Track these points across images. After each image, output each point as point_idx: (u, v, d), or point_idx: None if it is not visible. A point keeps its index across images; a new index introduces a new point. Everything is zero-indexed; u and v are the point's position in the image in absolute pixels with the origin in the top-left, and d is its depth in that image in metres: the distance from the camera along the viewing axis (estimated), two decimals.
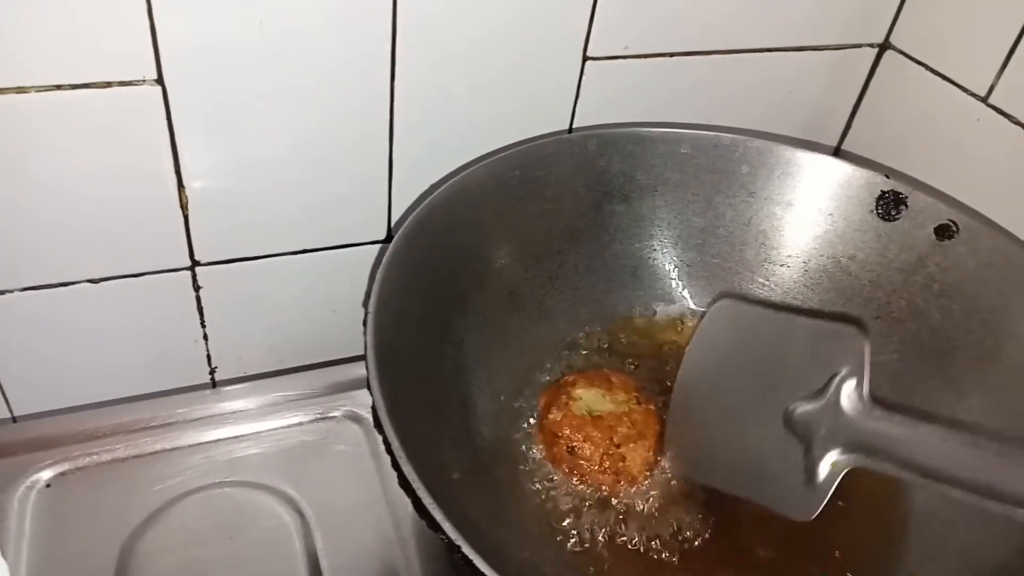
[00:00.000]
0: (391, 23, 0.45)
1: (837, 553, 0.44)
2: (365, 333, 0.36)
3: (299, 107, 0.46)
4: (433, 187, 0.51)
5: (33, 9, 0.38)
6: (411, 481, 0.30)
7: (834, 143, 0.65)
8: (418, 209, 0.44)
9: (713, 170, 0.53)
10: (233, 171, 0.48)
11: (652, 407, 0.47)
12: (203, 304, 0.53)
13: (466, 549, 0.29)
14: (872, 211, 0.51)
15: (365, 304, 0.38)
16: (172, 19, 0.41)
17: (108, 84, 0.42)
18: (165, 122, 0.44)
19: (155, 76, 0.43)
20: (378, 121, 0.49)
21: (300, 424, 0.51)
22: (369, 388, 0.34)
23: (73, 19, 0.39)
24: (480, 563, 0.28)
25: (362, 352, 0.58)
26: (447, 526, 0.29)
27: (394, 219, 0.54)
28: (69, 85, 0.41)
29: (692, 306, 0.55)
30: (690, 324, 0.55)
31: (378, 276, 0.39)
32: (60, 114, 0.42)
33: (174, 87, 0.43)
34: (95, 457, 0.47)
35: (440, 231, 0.45)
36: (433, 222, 0.44)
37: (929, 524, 0.44)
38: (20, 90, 0.41)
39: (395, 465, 0.32)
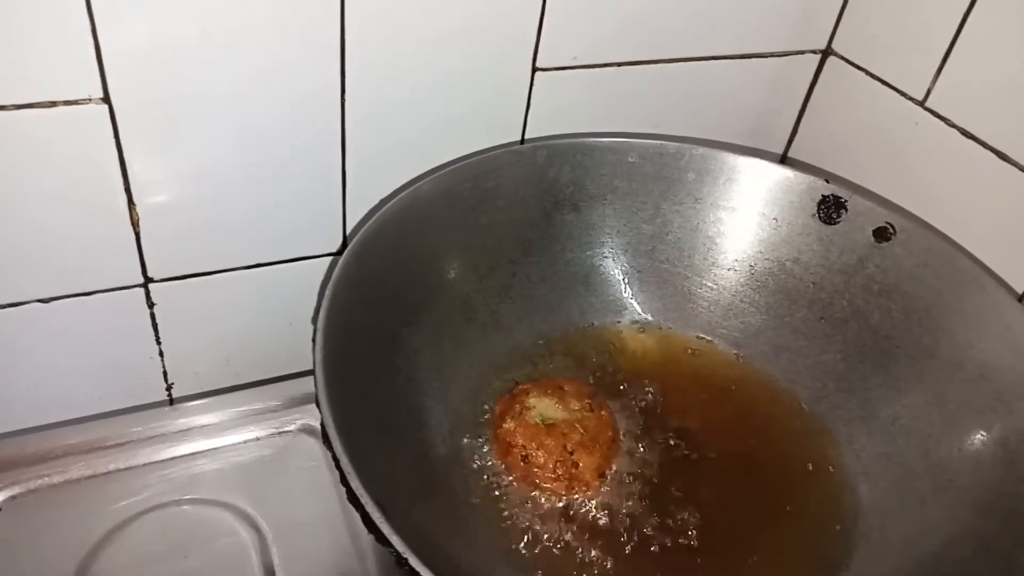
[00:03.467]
0: (339, 35, 0.45)
1: (798, 555, 0.45)
2: (314, 349, 0.36)
3: (249, 122, 0.46)
4: (384, 200, 0.51)
5: None
6: (358, 495, 0.31)
7: (780, 148, 0.66)
8: (367, 223, 0.44)
9: (660, 178, 0.54)
10: (184, 187, 0.47)
11: (604, 413, 0.48)
12: (157, 320, 0.53)
13: (413, 562, 0.29)
14: (814, 215, 0.53)
15: (314, 320, 0.38)
16: (116, 37, 0.41)
17: (53, 103, 0.42)
18: (113, 140, 0.44)
19: (101, 95, 0.43)
20: (329, 133, 0.49)
21: (257, 439, 0.51)
22: (318, 404, 0.34)
23: (15, 39, 0.39)
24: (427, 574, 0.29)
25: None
26: (394, 539, 0.30)
27: (348, 231, 0.54)
28: (12, 105, 0.41)
29: (643, 312, 0.56)
30: (641, 331, 0.56)
31: (327, 292, 0.40)
32: (3, 134, 0.42)
33: (121, 105, 0.43)
34: (47, 479, 0.46)
35: (390, 244, 0.45)
36: (383, 236, 0.45)
37: (874, 517, 0.46)
38: None
39: (343, 480, 0.32)
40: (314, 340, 0.38)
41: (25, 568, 0.42)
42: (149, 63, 0.42)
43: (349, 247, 0.43)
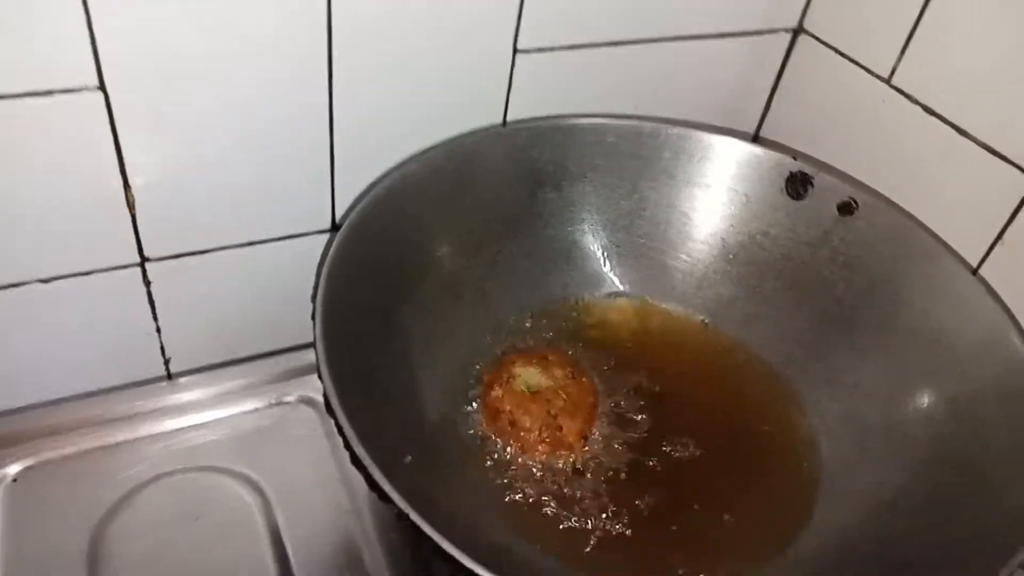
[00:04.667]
0: (326, 19, 0.46)
1: (763, 508, 0.48)
2: (314, 325, 0.39)
3: (240, 103, 0.47)
4: (373, 183, 0.53)
5: None
6: (361, 459, 0.33)
7: (754, 126, 0.68)
8: (360, 204, 0.46)
9: (637, 156, 0.56)
10: (178, 168, 0.49)
11: (586, 380, 0.51)
12: (154, 298, 0.54)
13: (413, 516, 0.32)
14: (782, 190, 0.55)
15: (313, 298, 0.41)
16: (110, 25, 0.41)
17: (50, 92, 0.43)
18: (108, 126, 0.45)
19: (96, 83, 0.43)
20: (318, 113, 0.50)
21: (256, 410, 0.54)
22: (320, 376, 0.37)
23: (11, 29, 0.40)
24: (427, 528, 0.31)
25: (311, 340, 0.61)
26: (395, 497, 0.32)
27: (338, 209, 0.55)
28: (11, 95, 0.42)
29: (623, 284, 0.59)
30: (620, 302, 0.58)
31: (324, 270, 0.42)
32: (5, 123, 0.43)
33: (116, 92, 0.44)
34: (59, 451, 0.48)
35: (382, 224, 0.47)
36: (375, 215, 0.47)
37: (835, 472, 0.49)
38: None
39: (347, 445, 0.35)
40: (313, 317, 0.40)
41: (44, 534, 0.45)
42: (142, 50, 0.43)
43: (343, 228, 0.45)
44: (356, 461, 0.34)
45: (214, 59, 0.45)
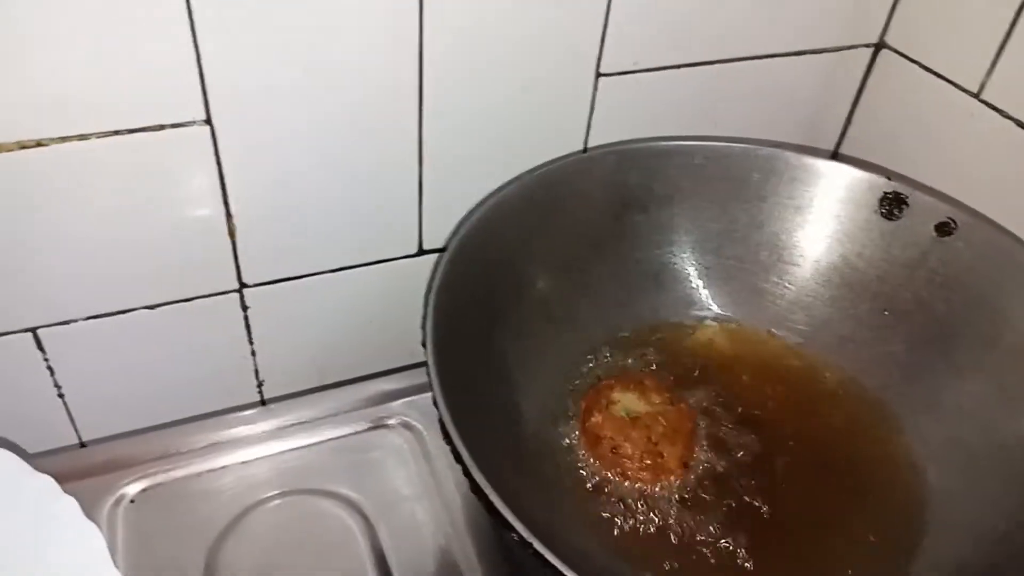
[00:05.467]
0: (418, 52, 0.48)
1: (871, 537, 0.47)
2: (426, 353, 0.40)
3: (336, 135, 0.49)
4: (471, 210, 0.54)
5: (95, 62, 0.41)
6: (482, 487, 0.34)
7: (833, 142, 0.67)
8: (460, 232, 0.47)
9: (726, 178, 0.56)
10: (275, 196, 0.50)
11: (684, 406, 0.51)
12: (251, 323, 0.56)
13: (537, 546, 0.32)
14: (876, 211, 0.55)
15: (423, 326, 0.42)
16: (218, 61, 0.43)
17: (161, 127, 0.45)
18: (213, 157, 0.47)
19: (204, 117, 0.45)
20: (408, 143, 0.51)
21: (352, 434, 0.55)
22: (435, 404, 0.38)
23: (127, 68, 0.42)
24: (552, 558, 0.32)
25: (401, 364, 0.62)
26: (519, 526, 0.33)
27: (424, 233, 0.57)
28: (126, 130, 0.44)
29: (713, 307, 0.58)
30: (711, 325, 0.58)
31: (431, 298, 0.43)
32: (118, 156, 0.45)
33: (221, 125, 0.46)
34: (171, 474, 0.50)
35: (479, 251, 0.48)
36: (473, 243, 0.48)
37: (942, 501, 0.48)
38: (82, 137, 0.43)
39: (466, 473, 0.36)
40: (424, 344, 0.41)
41: (162, 553, 0.46)
42: (246, 83, 0.45)
43: (446, 255, 0.46)
44: (476, 488, 0.35)
45: (310, 90, 0.47)
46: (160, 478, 0.50)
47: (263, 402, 0.61)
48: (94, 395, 0.54)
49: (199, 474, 0.51)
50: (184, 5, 0.41)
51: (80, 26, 0.40)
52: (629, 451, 0.48)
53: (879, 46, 0.62)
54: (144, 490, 0.49)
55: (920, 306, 0.53)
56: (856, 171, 0.55)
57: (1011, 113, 0.53)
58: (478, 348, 0.47)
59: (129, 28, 0.41)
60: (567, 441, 0.50)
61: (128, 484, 0.50)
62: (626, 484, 0.48)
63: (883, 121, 0.63)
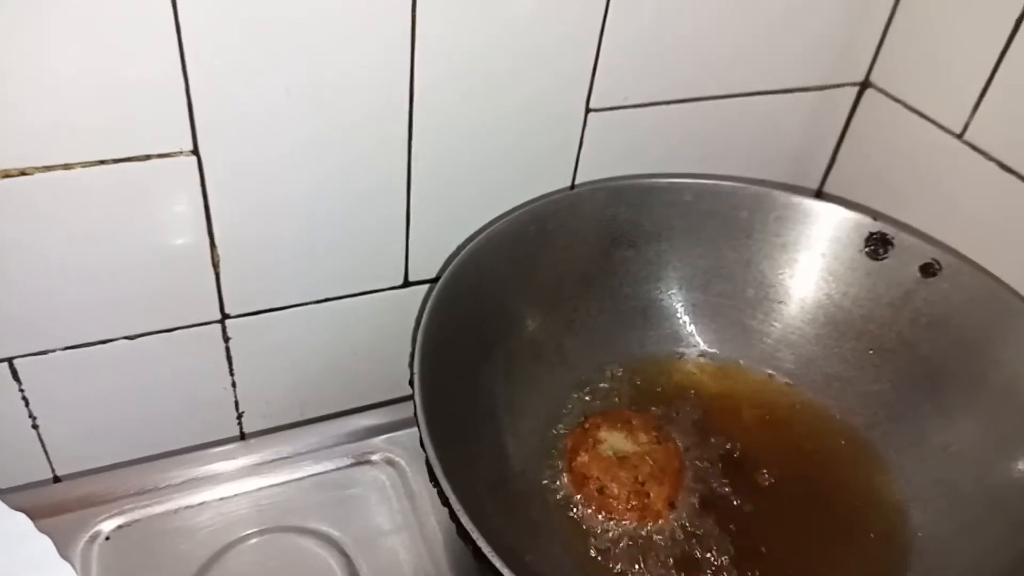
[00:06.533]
0: (408, 84, 0.47)
1: None
2: (414, 393, 0.39)
3: (323, 166, 0.48)
4: (460, 246, 0.54)
5: (81, 90, 0.40)
6: (470, 532, 0.33)
7: (818, 179, 0.68)
8: (448, 270, 0.47)
9: (714, 215, 0.56)
10: (261, 228, 0.50)
11: (671, 445, 0.51)
12: (232, 354, 0.55)
13: None
14: (861, 251, 0.55)
15: (410, 364, 0.41)
16: (208, 97, 0.43)
17: (147, 157, 0.44)
18: (199, 188, 0.46)
19: (191, 147, 0.45)
20: (396, 175, 0.51)
21: (334, 470, 0.54)
22: (422, 445, 0.37)
23: (116, 100, 0.41)
24: None
25: (384, 398, 0.61)
26: (506, 571, 0.32)
27: (411, 265, 0.56)
28: (112, 160, 0.44)
29: (700, 343, 0.58)
30: (698, 361, 0.58)
31: (419, 336, 0.42)
32: (102, 185, 0.44)
33: (208, 156, 0.45)
34: (148, 510, 0.49)
35: (468, 288, 0.48)
36: (462, 280, 0.47)
37: (929, 543, 0.48)
38: (67, 166, 0.43)
39: (453, 517, 0.35)
40: (411, 383, 0.40)
41: None
42: (235, 121, 0.45)
43: (434, 292, 0.45)
44: (463, 532, 0.34)
45: (298, 121, 0.46)
46: (136, 514, 0.49)
47: (243, 436, 0.60)
48: (70, 428, 0.53)
49: (176, 510, 0.50)
50: (174, 35, 0.41)
51: (67, 53, 0.39)
52: (616, 491, 0.47)
53: (864, 85, 0.62)
54: (120, 527, 0.48)
55: (905, 346, 0.54)
56: (842, 210, 0.55)
57: (993, 155, 0.53)
58: (465, 385, 0.46)
59: (117, 56, 0.40)
60: (554, 481, 0.50)
61: (103, 520, 0.49)
62: (613, 525, 0.47)
63: (867, 159, 0.64)
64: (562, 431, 0.52)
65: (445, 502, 0.35)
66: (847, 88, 0.63)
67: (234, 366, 0.56)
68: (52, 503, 0.49)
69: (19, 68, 0.39)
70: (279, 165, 0.47)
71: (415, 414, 0.39)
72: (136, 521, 0.49)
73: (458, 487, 0.36)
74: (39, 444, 0.53)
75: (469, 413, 0.46)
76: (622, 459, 0.48)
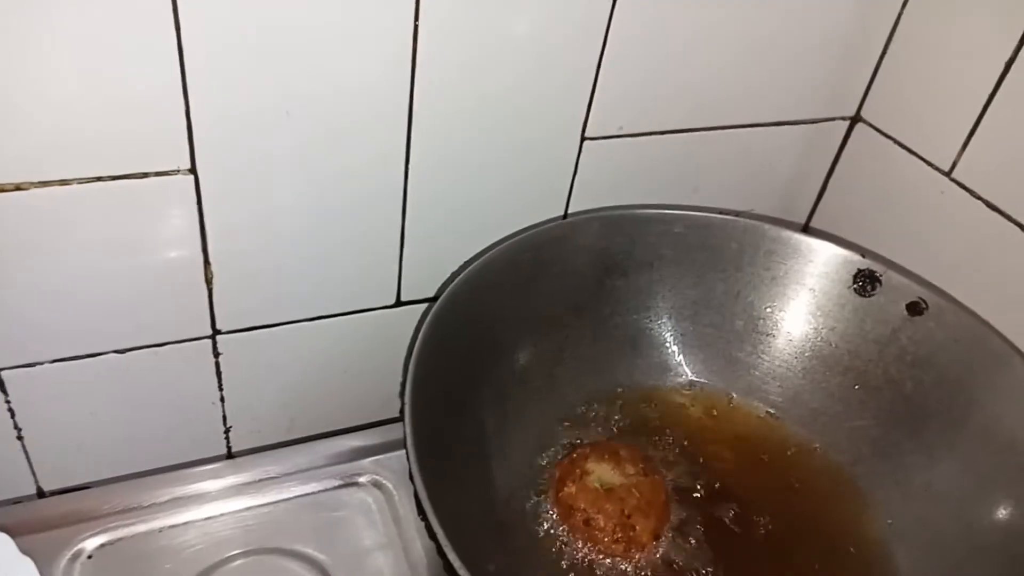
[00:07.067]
0: (407, 105, 0.47)
1: None
2: (404, 425, 0.39)
3: (319, 187, 0.49)
4: (453, 274, 0.54)
5: (80, 106, 0.40)
6: (457, 570, 0.34)
7: (807, 211, 0.68)
8: (442, 297, 0.47)
9: (704, 247, 0.57)
10: (254, 245, 0.50)
11: (657, 477, 0.51)
12: (222, 370, 0.55)
13: None
14: (849, 287, 0.55)
15: (401, 395, 0.41)
16: (207, 114, 0.43)
17: (145, 175, 0.44)
18: (196, 206, 0.46)
19: (188, 166, 0.45)
20: (392, 196, 0.51)
21: (320, 492, 0.54)
22: (411, 479, 0.37)
23: (114, 116, 0.41)
24: None
25: (373, 420, 0.61)
26: None
27: (403, 284, 0.56)
28: (109, 177, 0.44)
29: (688, 373, 0.59)
30: (685, 391, 0.58)
31: (411, 367, 0.42)
32: (98, 202, 0.44)
33: (205, 174, 0.45)
34: (132, 528, 0.49)
35: (461, 317, 0.48)
36: (455, 308, 0.47)
37: None
38: (63, 182, 0.43)
39: (440, 552, 0.35)
40: (402, 414, 0.40)
41: None
42: (234, 140, 0.45)
43: (426, 322, 0.45)
44: (449, 567, 0.35)
45: (297, 140, 0.46)
46: (120, 533, 0.48)
47: (230, 452, 0.59)
48: (56, 441, 0.53)
49: (161, 529, 0.49)
50: (176, 54, 0.41)
51: (66, 67, 0.39)
52: (602, 523, 0.48)
53: (855, 119, 0.63)
54: (103, 545, 0.48)
55: (890, 383, 0.54)
56: (832, 246, 0.56)
57: (980, 193, 0.54)
58: (456, 414, 0.46)
59: (117, 73, 0.40)
60: (540, 511, 0.50)
61: (87, 538, 0.48)
62: (599, 557, 0.48)
63: (856, 194, 0.64)
64: (550, 461, 0.52)
65: (432, 536, 0.36)
66: (838, 122, 0.63)
67: (224, 382, 0.56)
68: (35, 519, 0.49)
69: (17, 83, 0.39)
70: (275, 183, 0.48)
71: (405, 447, 0.39)
72: (120, 539, 0.48)
73: (445, 519, 0.36)
74: (24, 456, 0.52)
75: (458, 442, 0.46)
76: (609, 491, 0.49)
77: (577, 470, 0.50)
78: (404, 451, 0.39)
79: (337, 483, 0.55)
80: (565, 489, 0.49)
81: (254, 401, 0.58)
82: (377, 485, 0.55)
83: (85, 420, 0.53)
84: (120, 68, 0.40)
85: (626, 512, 0.48)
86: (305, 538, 0.51)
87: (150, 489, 0.52)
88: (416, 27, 0.44)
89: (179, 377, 0.54)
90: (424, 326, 0.44)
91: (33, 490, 0.54)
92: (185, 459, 0.57)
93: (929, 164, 0.57)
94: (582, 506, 0.48)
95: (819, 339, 0.57)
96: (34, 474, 0.53)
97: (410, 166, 0.50)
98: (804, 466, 0.55)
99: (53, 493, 0.55)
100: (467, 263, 0.53)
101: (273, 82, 0.43)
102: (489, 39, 0.47)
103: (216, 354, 0.54)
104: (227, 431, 0.59)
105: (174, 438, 0.57)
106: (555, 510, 0.49)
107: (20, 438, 0.51)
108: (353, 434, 0.60)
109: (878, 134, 0.61)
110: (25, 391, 0.49)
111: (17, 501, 0.54)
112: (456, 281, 0.48)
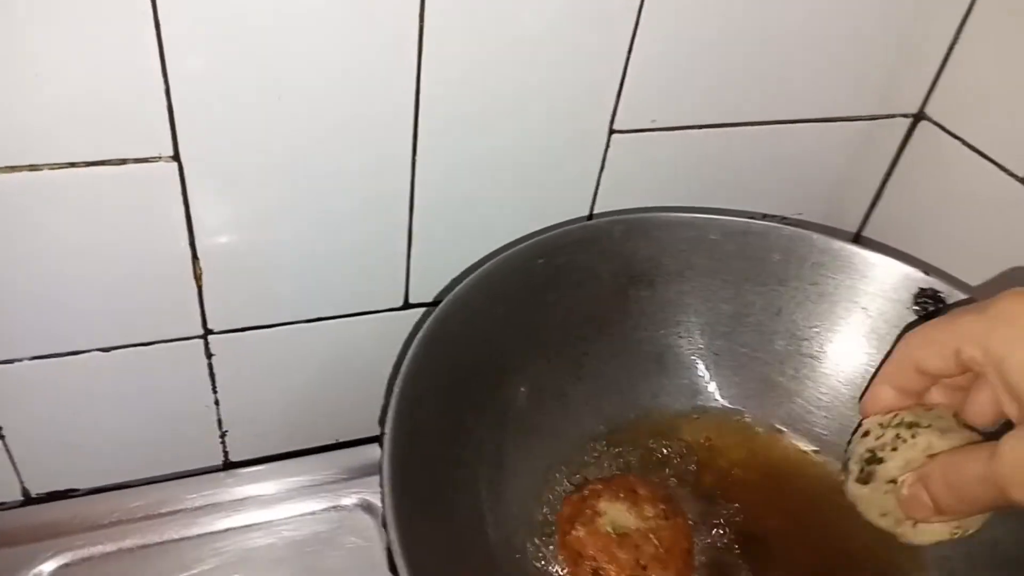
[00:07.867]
0: (414, 91, 0.44)
1: None
2: (381, 459, 0.35)
3: (317, 178, 0.46)
4: (457, 278, 0.50)
5: (48, 88, 0.38)
6: None
7: (858, 219, 0.63)
8: (433, 314, 0.43)
9: (742, 257, 0.51)
10: (249, 241, 0.47)
11: (680, 520, 0.45)
12: (215, 372, 0.53)
13: None
14: (909, 308, 0.49)
15: (381, 421, 0.37)
16: (189, 96, 0.40)
17: (123, 161, 0.42)
18: (180, 196, 0.44)
19: (171, 153, 0.42)
20: (399, 187, 0.48)
21: (312, 513, 0.51)
22: (385, 526, 0.33)
23: (88, 96, 0.39)
24: None
25: (375, 432, 0.57)
26: None
27: (412, 285, 0.53)
28: (83, 163, 0.41)
29: (720, 399, 0.53)
30: (716, 419, 0.53)
31: (396, 389, 0.38)
32: (74, 190, 0.41)
33: (190, 162, 0.43)
34: (100, 547, 0.46)
35: (460, 329, 0.43)
36: (454, 320, 0.43)
37: None
38: (32, 167, 0.40)
39: None
40: (381, 443, 0.36)
41: None
42: (221, 126, 0.42)
43: (419, 336, 0.41)
44: None
45: (290, 124, 0.43)
46: (83, 552, 0.46)
47: (225, 464, 0.57)
48: (40, 443, 0.51)
49: (131, 550, 0.47)
50: (152, 26, 0.38)
51: (34, 45, 0.37)
52: (613, 575, 0.42)
53: (918, 117, 0.58)
54: (63, 566, 0.46)
55: None
56: (891, 261, 0.50)
57: None
58: (448, 441, 0.42)
59: (91, 47, 0.37)
60: (544, 555, 0.45)
61: (44, 559, 0.45)
62: None
63: (916, 200, 0.59)
64: (557, 497, 0.47)
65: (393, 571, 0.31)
66: (898, 120, 0.58)
67: (217, 384, 0.54)
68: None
69: None
70: (268, 173, 0.45)
71: (380, 486, 0.34)
72: (82, 560, 0.46)
73: (424, 565, 0.32)
74: (8, 457, 0.50)
75: (449, 475, 0.41)
76: (623, 536, 0.43)
77: (588, 510, 0.44)
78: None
79: (328, 505, 0.52)
80: (573, 532, 0.44)
81: (251, 407, 0.56)
82: (368, 509, 0.52)
83: (68, 420, 0.51)
84: (92, 43, 0.37)
85: (642, 562, 0.43)
86: (289, 565, 0.48)
87: (132, 501, 0.50)
88: (423, 5, 0.41)
89: (169, 378, 0.52)
90: (412, 345, 0.40)
91: (19, 494, 0.53)
92: (181, 467, 0.55)
93: (1002, 168, 0.52)
94: (591, 553, 0.43)
95: (872, 366, 0.50)
96: (19, 477, 0.52)
97: (418, 155, 0.47)
98: (851, 509, 0.48)
99: (40, 497, 0.53)
100: (467, 271, 0.49)
101: (263, 62, 0.41)
102: (507, 20, 0.43)
103: (208, 355, 0.52)
104: (223, 435, 0.56)
105: (166, 442, 0.55)
106: (560, 556, 0.44)
107: (1, 436, 0.50)
108: (353, 448, 0.58)
109: (944, 134, 0.56)
110: (2, 389, 0.47)
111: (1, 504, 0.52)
112: (449, 296, 0.43)
